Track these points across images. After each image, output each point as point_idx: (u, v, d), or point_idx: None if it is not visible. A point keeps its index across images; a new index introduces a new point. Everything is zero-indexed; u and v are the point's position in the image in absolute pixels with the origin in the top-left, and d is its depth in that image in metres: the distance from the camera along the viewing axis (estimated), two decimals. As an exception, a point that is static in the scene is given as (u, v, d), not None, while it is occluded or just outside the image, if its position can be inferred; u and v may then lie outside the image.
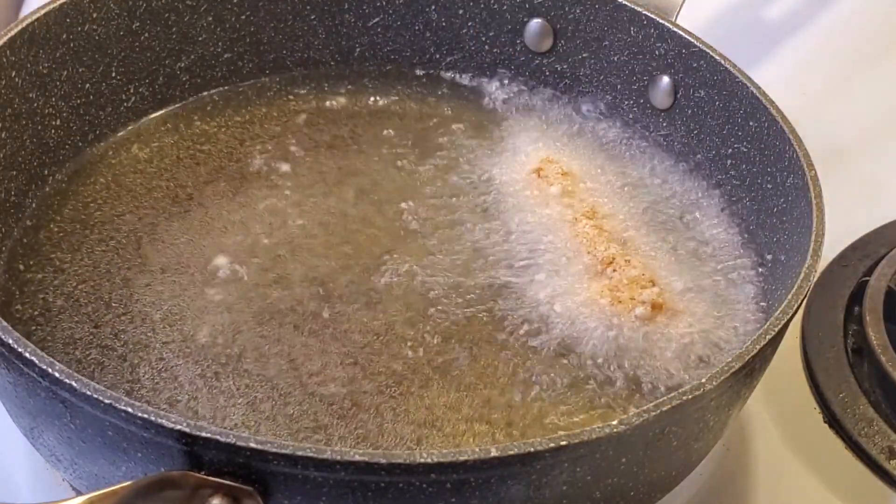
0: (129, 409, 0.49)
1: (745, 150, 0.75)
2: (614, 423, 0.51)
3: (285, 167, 0.78)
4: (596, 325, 0.66)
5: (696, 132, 0.80)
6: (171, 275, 0.69)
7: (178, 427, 0.48)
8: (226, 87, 0.83)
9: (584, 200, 0.75)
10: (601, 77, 0.84)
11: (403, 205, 0.75)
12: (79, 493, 0.52)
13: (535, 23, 0.85)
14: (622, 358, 0.65)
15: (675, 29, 0.79)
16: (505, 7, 0.85)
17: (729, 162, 0.77)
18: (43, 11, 0.71)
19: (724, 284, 0.71)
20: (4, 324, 0.52)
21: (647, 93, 0.82)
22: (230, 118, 0.81)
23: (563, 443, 0.50)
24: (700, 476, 0.68)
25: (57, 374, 0.50)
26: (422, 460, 0.49)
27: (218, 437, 0.48)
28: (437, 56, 0.87)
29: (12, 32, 0.69)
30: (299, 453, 0.48)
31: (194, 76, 0.82)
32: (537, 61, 0.86)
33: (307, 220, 0.74)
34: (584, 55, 0.84)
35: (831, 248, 0.81)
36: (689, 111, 0.80)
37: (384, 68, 0.87)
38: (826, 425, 0.72)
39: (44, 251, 0.69)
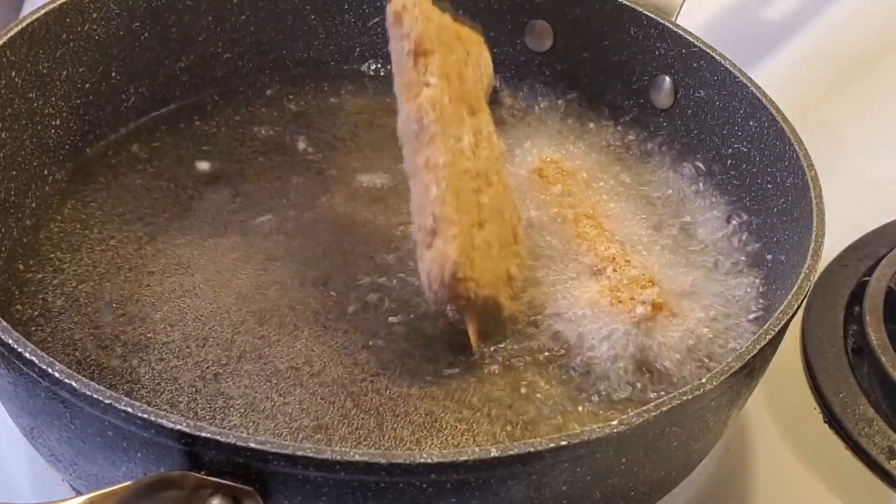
0: (129, 409, 0.49)
1: (745, 150, 0.75)
2: (614, 423, 0.51)
3: (286, 167, 0.78)
4: (596, 325, 0.66)
5: (696, 132, 0.80)
6: (171, 275, 0.69)
7: (178, 427, 0.48)
8: (226, 87, 0.83)
9: (585, 200, 0.75)
10: (601, 77, 0.84)
11: (404, 205, 0.75)
12: (79, 493, 0.52)
13: (535, 23, 0.85)
14: (622, 358, 0.65)
15: (675, 29, 0.79)
16: (505, 7, 0.85)
17: (729, 162, 0.77)
18: (43, 11, 0.71)
19: (724, 284, 0.71)
20: (4, 324, 0.52)
21: (647, 93, 0.82)
22: (230, 118, 0.81)
23: (563, 443, 0.50)
24: (700, 476, 0.68)
25: (57, 374, 0.50)
26: (422, 460, 0.49)
27: (218, 437, 0.48)
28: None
29: (12, 32, 0.69)
30: (299, 453, 0.48)
31: (194, 76, 0.82)
32: (537, 61, 0.86)
33: (307, 220, 0.74)
34: (584, 55, 0.84)
35: (831, 248, 0.81)
36: (689, 111, 0.80)
37: (384, 68, 0.87)
38: (826, 425, 0.72)
39: (44, 251, 0.69)
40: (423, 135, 0.61)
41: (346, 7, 0.85)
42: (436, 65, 0.62)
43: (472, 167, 0.62)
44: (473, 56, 0.64)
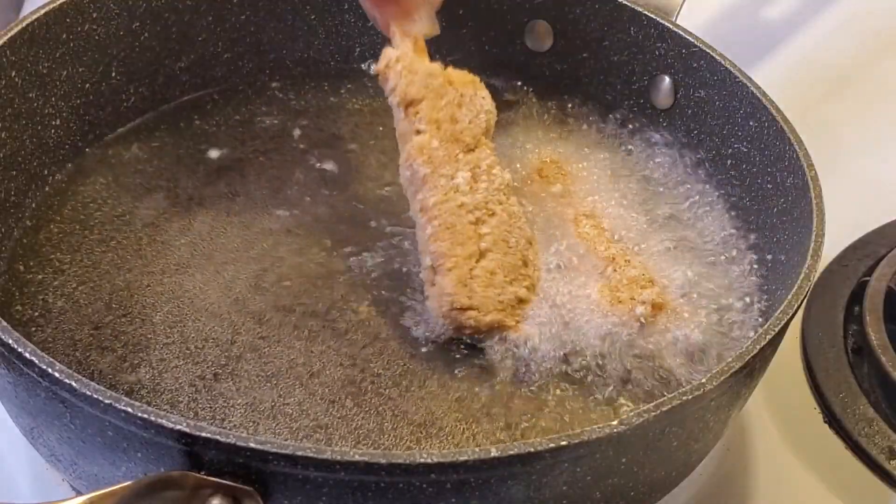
0: (129, 409, 0.49)
1: (745, 150, 0.75)
2: (614, 423, 0.51)
3: (286, 166, 0.78)
4: (596, 325, 0.66)
5: (696, 132, 0.80)
6: (171, 275, 0.69)
7: (179, 427, 0.48)
8: (226, 87, 0.83)
9: (585, 200, 0.75)
10: (601, 77, 0.84)
11: (405, 205, 0.75)
12: (79, 493, 0.52)
13: (535, 23, 0.85)
14: (622, 358, 0.65)
15: (675, 29, 0.79)
16: (505, 7, 0.85)
17: (729, 162, 0.77)
18: (43, 11, 0.71)
19: (724, 284, 0.71)
20: (5, 324, 0.52)
21: (648, 93, 0.82)
22: (230, 118, 0.81)
23: (563, 443, 0.50)
24: (700, 476, 0.68)
25: (57, 374, 0.50)
26: (422, 460, 0.49)
27: (218, 438, 0.48)
28: (438, 56, 0.87)
29: (12, 32, 0.69)
30: (299, 453, 0.48)
31: (194, 76, 0.82)
32: (537, 61, 0.86)
33: (308, 219, 0.74)
34: (584, 55, 0.84)
35: (831, 248, 0.81)
36: (690, 111, 0.80)
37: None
38: (826, 425, 0.72)
39: (44, 252, 0.69)
40: (415, 179, 0.66)
41: (346, 7, 0.85)
42: (424, 112, 0.66)
43: (468, 201, 0.65)
44: (467, 97, 0.68)
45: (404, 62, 0.67)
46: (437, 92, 0.67)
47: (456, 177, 0.66)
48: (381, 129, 0.81)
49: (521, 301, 0.66)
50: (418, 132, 0.66)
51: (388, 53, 0.68)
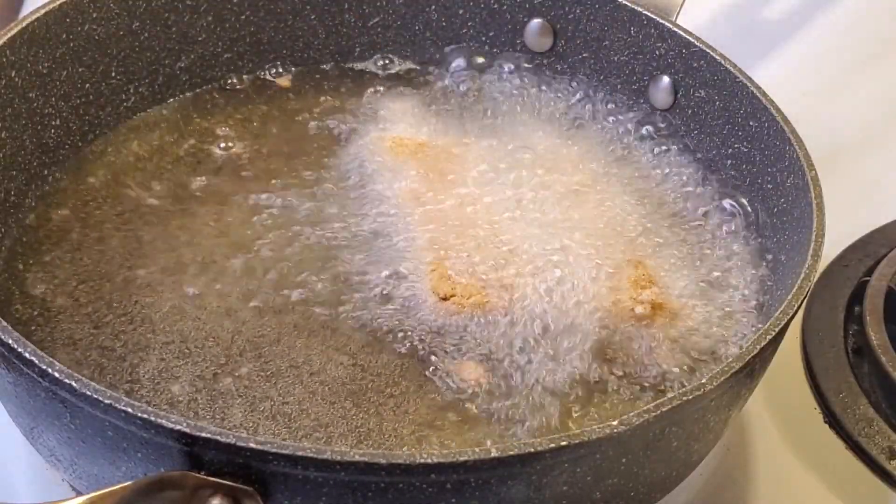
0: (129, 409, 0.49)
1: (745, 150, 0.75)
2: (614, 423, 0.51)
3: (287, 167, 0.78)
4: (595, 325, 0.66)
5: (696, 132, 0.80)
6: (171, 275, 0.69)
7: (178, 427, 0.48)
8: (225, 87, 0.83)
9: (584, 200, 0.75)
10: (601, 77, 0.84)
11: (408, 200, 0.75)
12: (79, 494, 0.52)
13: (535, 23, 0.85)
14: (621, 358, 0.65)
15: (675, 29, 0.79)
16: (505, 7, 0.85)
17: (729, 162, 0.77)
18: (43, 11, 0.71)
19: (724, 284, 0.71)
20: (4, 324, 0.52)
21: (647, 93, 0.82)
22: (230, 117, 0.81)
23: (563, 443, 0.50)
24: (700, 476, 0.68)
25: (57, 374, 0.50)
26: (422, 461, 0.49)
27: (218, 438, 0.48)
28: (437, 56, 0.87)
29: (12, 32, 0.69)
30: (299, 453, 0.48)
31: (194, 75, 0.82)
32: (537, 61, 0.86)
33: (309, 218, 0.74)
34: (584, 55, 0.84)
35: (831, 248, 0.81)
36: (690, 111, 0.80)
37: (384, 68, 0.87)
38: (826, 425, 0.72)
39: (43, 251, 0.69)
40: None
41: (346, 7, 0.85)
42: (412, 165, 0.76)
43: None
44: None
45: (394, 140, 0.78)
46: (423, 153, 0.77)
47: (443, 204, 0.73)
48: (381, 126, 0.81)
49: (509, 286, 0.68)
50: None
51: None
